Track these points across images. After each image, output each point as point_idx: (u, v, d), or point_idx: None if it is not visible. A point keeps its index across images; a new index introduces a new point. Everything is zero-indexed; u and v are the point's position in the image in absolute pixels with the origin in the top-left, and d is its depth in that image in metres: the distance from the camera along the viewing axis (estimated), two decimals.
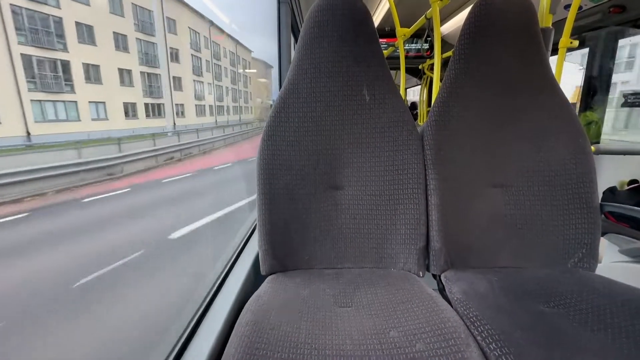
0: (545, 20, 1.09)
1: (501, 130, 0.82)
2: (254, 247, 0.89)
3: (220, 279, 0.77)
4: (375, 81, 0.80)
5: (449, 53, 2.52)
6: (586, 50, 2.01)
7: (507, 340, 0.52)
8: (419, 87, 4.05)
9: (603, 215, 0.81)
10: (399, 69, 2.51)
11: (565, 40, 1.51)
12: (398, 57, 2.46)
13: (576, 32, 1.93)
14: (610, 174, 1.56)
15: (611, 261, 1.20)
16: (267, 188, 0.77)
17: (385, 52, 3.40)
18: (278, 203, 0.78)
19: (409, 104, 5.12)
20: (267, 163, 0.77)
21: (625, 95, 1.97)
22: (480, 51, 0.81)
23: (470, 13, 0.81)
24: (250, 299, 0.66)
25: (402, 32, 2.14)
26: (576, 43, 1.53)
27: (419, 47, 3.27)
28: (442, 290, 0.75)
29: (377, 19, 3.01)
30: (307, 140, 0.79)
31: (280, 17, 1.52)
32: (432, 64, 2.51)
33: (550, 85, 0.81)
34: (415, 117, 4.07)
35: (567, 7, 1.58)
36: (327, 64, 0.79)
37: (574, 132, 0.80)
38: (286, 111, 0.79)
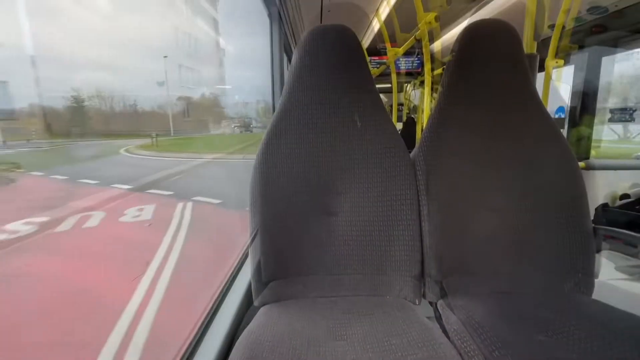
0: (530, 46, 1.12)
1: (492, 155, 0.82)
2: (245, 277, 0.87)
3: (212, 312, 0.75)
4: (366, 107, 0.81)
5: (439, 70, 2.58)
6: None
7: None
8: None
9: None
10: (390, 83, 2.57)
11: (550, 59, 1.56)
12: (390, 74, 2.52)
13: (561, 51, 2.00)
14: (601, 190, 1.58)
15: (608, 279, 1.20)
16: (259, 216, 0.76)
17: (377, 70, 3.47)
18: (271, 231, 0.77)
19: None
20: (259, 191, 0.77)
21: (612, 111, 2.02)
22: (469, 77, 0.83)
23: (457, 39, 0.83)
24: (243, 333, 0.64)
25: (393, 52, 2.19)
26: (561, 62, 1.57)
27: (410, 65, 3.35)
28: (439, 318, 0.74)
29: (368, 38, 3.08)
30: (299, 167, 0.78)
31: (272, 39, 1.54)
32: (423, 80, 2.57)
33: (537, 109, 0.82)
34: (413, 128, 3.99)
35: (552, 27, 1.64)
36: (319, 91, 0.80)
37: (562, 154, 0.81)
38: (278, 139, 0.79)
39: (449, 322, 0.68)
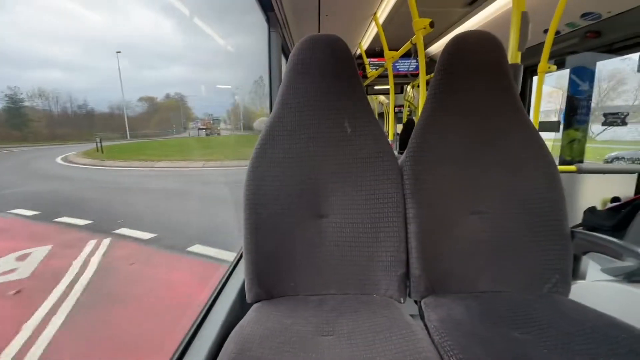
0: (514, 57, 1.15)
1: (477, 160, 0.85)
2: (240, 275, 0.91)
3: (207, 308, 0.79)
4: (356, 114, 0.84)
5: None
6: None
7: None
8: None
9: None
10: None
11: (543, 65, 1.58)
12: (387, 76, 2.55)
13: (556, 55, 2.02)
14: (593, 193, 1.61)
15: (593, 280, 1.23)
16: (253, 217, 0.80)
17: (375, 72, 3.51)
18: (264, 232, 0.80)
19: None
20: (253, 193, 0.80)
21: (605, 115, 2.05)
22: (455, 85, 0.86)
23: (444, 49, 0.86)
24: (235, 328, 0.67)
25: (390, 55, 2.22)
26: (554, 68, 1.60)
27: (407, 67, 3.38)
28: (422, 316, 0.78)
29: (367, 40, 3.11)
30: (292, 170, 0.82)
31: (270, 44, 1.58)
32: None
33: (520, 118, 0.85)
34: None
35: (546, 31, 1.66)
36: (311, 98, 0.83)
37: (544, 161, 0.84)
38: (271, 143, 0.82)
39: (430, 319, 0.71)
